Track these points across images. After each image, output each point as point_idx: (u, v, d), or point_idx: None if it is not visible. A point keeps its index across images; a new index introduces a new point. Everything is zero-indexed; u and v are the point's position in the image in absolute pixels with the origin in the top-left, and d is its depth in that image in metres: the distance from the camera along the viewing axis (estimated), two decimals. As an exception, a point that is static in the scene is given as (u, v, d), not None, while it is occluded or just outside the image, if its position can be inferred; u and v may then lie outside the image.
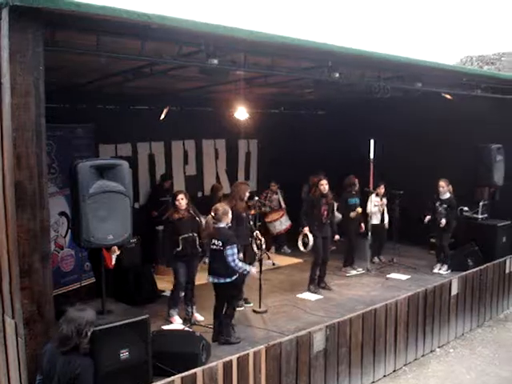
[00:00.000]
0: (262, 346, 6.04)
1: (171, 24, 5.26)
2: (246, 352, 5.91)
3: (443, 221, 10.48)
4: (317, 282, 9.71)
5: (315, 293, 9.47)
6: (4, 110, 4.73)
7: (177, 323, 7.93)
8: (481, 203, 11.19)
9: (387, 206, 11.46)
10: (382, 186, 11.32)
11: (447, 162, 11.23)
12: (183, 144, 12.54)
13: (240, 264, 7.15)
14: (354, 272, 10.87)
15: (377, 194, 11.33)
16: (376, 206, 11.28)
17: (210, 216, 7.38)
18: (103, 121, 9.80)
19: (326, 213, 9.64)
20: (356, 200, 10.90)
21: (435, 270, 10.78)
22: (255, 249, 8.71)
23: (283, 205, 12.72)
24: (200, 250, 8.09)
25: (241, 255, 7.81)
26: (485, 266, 9.70)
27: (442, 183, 10.54)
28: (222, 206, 7.44)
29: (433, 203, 10.69)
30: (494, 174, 10.85)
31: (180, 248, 7.92)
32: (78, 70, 7.46)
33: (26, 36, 4.55)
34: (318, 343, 6.62)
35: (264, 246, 8.80)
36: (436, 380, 7.61)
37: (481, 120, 10.84)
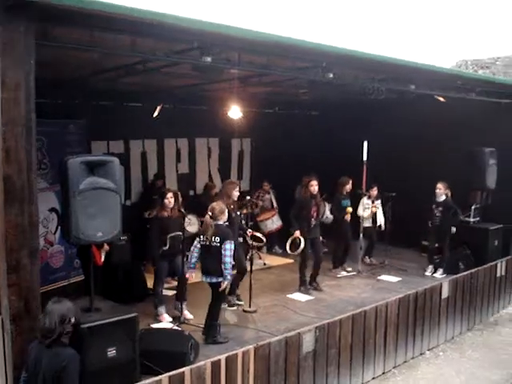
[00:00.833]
0: (250, 346, 6.01)
1: (164, 20, 5.22)
2: (234, 352, 5.88)
3: (453, 229, 10.48)
4: (309, 282, 9.68)
5: (306, 293, 9.44)
6: (-6, 103, 4.68)
7: (166, 321, 7.90)
8: (473, 207, 11.21)
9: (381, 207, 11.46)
10: (375, 188, 11.33)
11: (440, 165, 11.22)
12: (176, 142, 12.48)
13: (230, 265, 7.14)
14: (344, 273, 10.87)
15: (369, 197, 11.32)
16: (367, 208, 11.27)
17: (207, 216, 7.36)
18: (96, 117, 9.75)
19: (315, 214, 9.61)
20: (348, 202, 10.87)
21: (427, 273, 10.77)
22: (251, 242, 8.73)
23: (275, 204, 12.70)
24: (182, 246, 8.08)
25: None
26: (476, 269, 9.70)
27: (440, 185, 10.52)
28: (218, 205, 7.46)
29: (429, 205, 10.66)
30: (486, 178, 10.87)
31: (167, 247, 7.92)
32: (71, 65, 7.40)
33: (16, 29, 4.51)
34: (308, 344, 6.60)
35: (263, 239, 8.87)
36: (425, 382, 7.59)
37: (474, 124, 10.85)
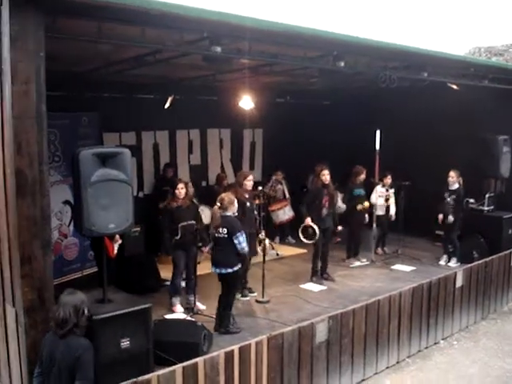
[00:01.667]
0: (264, 336, 6.02)
1: (174, 11, 5.21)
2: (247, 342, 5.89)
3: (450, 218, 10.42)
4: (320, 274, 9.67)
5: (318, 283, 9.43)
6: (5, 96, 4.71)
7: (179, 312, 7.93)
8: (487, 195, 11.11)
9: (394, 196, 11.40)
10: (389, 177, 11.25)
11: (454, 153, 11.13)
12: (188, 133, 12.49)
13: (245, 246, 7.20)
14: (358, 263, 10.82)
15: (383, 185, 11.25)
16: (381, 196, 11.21)
17: (215, 206, 7.37)
18: (108, 109, 9.78)
19: (327, 204, 9.56)
20: (361, 191, 10.82)
21: (441, 262, 10.70)
22: (259, 251, 8.70)
23: (287, 195, 12.67)
24: (199, 238, 8.08)
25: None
26: (490, 258, 9.65)
27: (452, 173, 10.44)
28: (227, 196, 7.45)
29: (442, 193, 10.59)
30: (500, 166, 10.78)
31: (179, 236, 7.93)
32: (82, 57, 7.42)
33: (26, 22, 4.52)
34: (321, 334, 6.60)
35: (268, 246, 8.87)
36: (439, 372, 7.58)
37: (488, 111, 10.76)
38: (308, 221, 9.35)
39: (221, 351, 5.59)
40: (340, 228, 10.12)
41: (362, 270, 10.42)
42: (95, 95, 9.95)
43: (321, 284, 9.42)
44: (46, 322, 4.85)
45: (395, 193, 11.39)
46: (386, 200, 11.26)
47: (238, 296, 8.29)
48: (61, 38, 5.28)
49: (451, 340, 8.68)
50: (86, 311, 4.53)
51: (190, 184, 8.51)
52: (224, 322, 7.28)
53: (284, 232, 12.65)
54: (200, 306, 8.03)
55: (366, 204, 10.73)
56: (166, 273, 9.33)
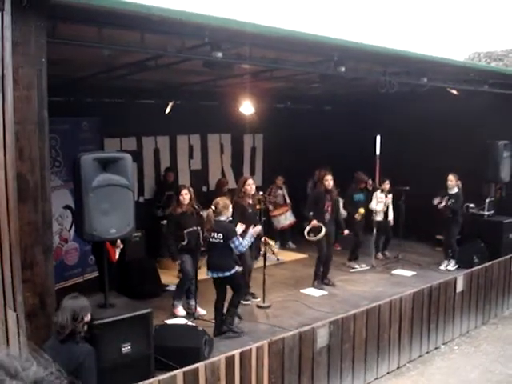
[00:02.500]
0: (264, 341, 6.01)
1: (174, 17, 5.23)
2: (248, 347, 5.89)
3: (435, 200, 10.40)
4: (321, 279, 9.66)
5: (319, 288, 9.43)
6: (6, 102, 4.72)
7: (180, 314, 7.93)
8: (487, 200, 11.13)
9: (393, 202, 11.41)
10: (388, 182, 11.28)
11: (454, 158, 11.15)
12: (188, 138, 12.51)
13: (245, 242, 7.21)
14: (358, 268, 10.83)
15: (382, 190, 11.28)
16: (380, 202, 11.23)
17: (210, 210, 7.39)
18: (109, 114, 9.80)
19: (329, 209, 9.56)
20: (360, 196, 10.84)
21: (442, 267, 10.70)
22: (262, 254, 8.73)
23: (288, 200, 12.68)
24: (202, 243, 8.10)
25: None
26: (491, 263, 9.65)
27: (451, 177, 10.46)
28: (222, 200, 7.47)
29: (441, 197, 10.60)
30: (501, 171, 10.80)
31: (185, 242, 7.94)
32: (83, 63, 7.44)
33: (28, 28, 4.54)
34: (322, 339, 6.59)
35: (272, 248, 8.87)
36: (440, 377, 7.56)
37: (488, 116, 10.79)
38: (314, 222, 9.35)
39: (221, 356, 5.59)
40: (347, 232, 10.10)
41: (363, 275, 10.43)
42: (96, 100, 9.98)
43: (322, 289, 9.43)
44: (47, 327, 4.86)
45: (396, 197, 11.41)
46: (386, 206, 11.29)
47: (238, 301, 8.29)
48: (62, 44, 5.30)
49: (452, 345, 8.67)
50: (85, 318, 4.52)
51: (191, 189, 8.51)
52: (228, 320, 7.28)
53: (284, 237, 12.66)
54: (201, 311, 8.04)
55: (361, 211, 10.74)
56: (166, 278, 9.35)
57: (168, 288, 9.11)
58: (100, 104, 10.05)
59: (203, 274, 8.26)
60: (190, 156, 12.60)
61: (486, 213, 11.09)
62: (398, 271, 10.60)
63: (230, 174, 13.30)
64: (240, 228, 7.43)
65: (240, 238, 7.17)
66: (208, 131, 12.73)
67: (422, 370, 7.80)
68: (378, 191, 11.30)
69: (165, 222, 9.64)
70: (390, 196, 11.39)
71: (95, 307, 5.42)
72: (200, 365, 5.37)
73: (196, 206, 8.24)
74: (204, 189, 12.72)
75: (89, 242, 7.48)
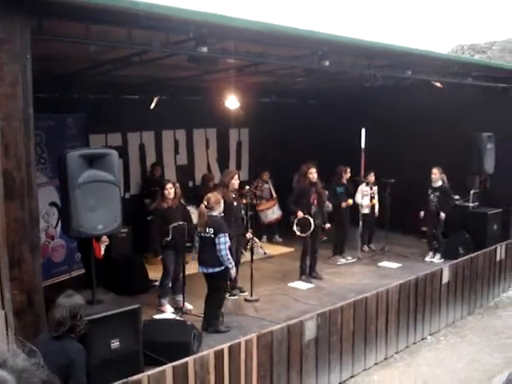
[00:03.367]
0: (253, 335, 6.04)
1: (160, 12, 5.22)
2: (237, 341, 5.92)
3: (442, 215, 10.51)
4: (308, 272, 9.70)
5: (307, 282, 9.47)
6: (-9, 99, 4.68)
7: (168, 312, 7.94)
8: (472, 191, 11.22)
9: (378, 194, 11.47)
10: (372, 174, 11.35)
11: (439, 150, 11.23)
12: (174, 134, 12.49)
13: (227, 256, 7.19)
14: (343, 260, 10.88)
15: (367, 184, 11.34)
16: (365, 195, 11.29)
17: (202, 205, 7.40)
18: (94, 111, 9.75)
19: (315, 202, 9.60)
20: (341, 189, 10.88)
21: (427, 259, 10.80)
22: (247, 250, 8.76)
23: (274, 194, 12.70)
24: (189, 238, 8.11)
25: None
26: (476, 254, 9.73)
27: (435, 170, 10.53)
28: (213, 195, 7.48)
29: (426, 191, 10.68)
30: (484, 162, 10.87)
31: (170, 237, 7.94)
32: (68, 58, 7.40)
33: (12, 24, 4.52)
34: (310, 332, 6.63)
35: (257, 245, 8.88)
36: (427, 368, 7.63)
37: (472, 109, 10.85)
38: (300, 214, 9.38)
39: (210, 350, 5.62)
40: (328, 225, 10.15)
41: (350, 268, 10.49)
42: (81, 96, 9.93)
43: (309, 282, 9.47)
44: (35, 325, 4.86)
45: (382, 190, 11.47)
46: (371, 198, 11.35)
47: (227, 295, 8.31)
48: (47, 40, 5.28)
49: (438, 335, 8.75)
50: (82, 315, 4.51)
51: (178, 185, 8.51)
52: (213, 321, 7.30)
53: (271, 231, 12.68)
54: (188, 305, 8.04)
55: (350, 201, 10.81)
56: (154, 273, 9.32)
57: (156, 283, 9.07)
58: (85, 100, 10.00)
59: (191, 268, 8.32)
60: (176, 151, 12.59)
61: (471, 204, 11.19)
62: (385, 263, 10.66)
63: (216, 168, 13.29)
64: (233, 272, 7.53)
65: (227, 237, 7.19)
66: (193, 126, 12.72)
67: (409, 360, 7.87)
68: (363, 184, 11.36)
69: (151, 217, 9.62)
70: (375, 188, 11.44)
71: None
72: (189, 359, 5.39)
73: (182, 201, 8.24)
74: (190, 184, 12.70)
75: (75, 238, 7.45)
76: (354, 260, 10.91)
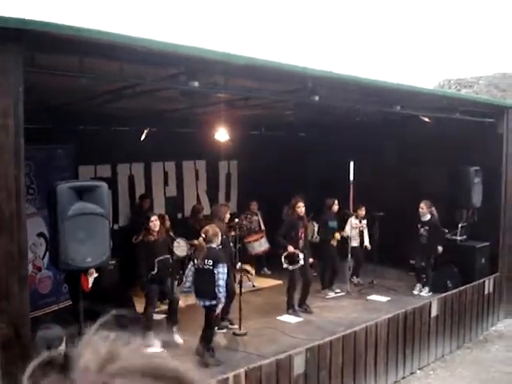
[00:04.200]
0: (241, 370, 6.00)
1: (151, 46, 5.28)
2: (225, 376, 5.87)
3: (439, 248, 10.55)
4: (298, 304, 9.64)
5: (295, 315, 9.41)
6: (-18, 131, 4.69)
7: (155, 347, 7.82)
8: (460, 225, 11.28)
9: (367, 227, 11.50)
10: (363, 208, 11.37)
11: (426, 183, 11.32)
12: (163, 165, 12.51)
13: (224, 288, 7.19)
14: (333, 294, 10.84)
15: (356, 217, 11.37)
16: (354, 228, 11.31)
17: (200, 238, 7.42)
18: (83, 142, 9.74)
19: (303, 236, 9.61)
20: (334, 223, 10.90)
21: (415, 292, 10.79)
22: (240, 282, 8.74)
23: (263, 226, 12.69)
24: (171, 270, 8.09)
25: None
26: (464, 287, 9.75)
27: (422, 205, 10.59)
28: (211, 228, 7.51)
29: (416, 226, 10.71)
30: (472, 196, 10.95)
31: (155, 271, 7.90)
32: (59, 90, 7.43)
33: (5, 58, 4.54)
34: (298, 366, 6.59)
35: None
36: (416, 402, 7.60)
37: (459, 143, 10.96)
38: (291, 248, 9.36)
39: (199, 385, 5.55)
40: (311, 260, 10.12)
41: (339, 301, 10.45)
42: (71, 128, 9.93)
43: (297, 316, 9.40)
44: (22, 358, 4.79)
45: (369, 223, 11.51)
46: (361, 232, 11.38)
47: (215, 329, 8.25)
48: (40, 73, 5.32)
49: (427, 370, 8.72)
50: (60, 348, 4.46)
51: (167, 217, 8.49)
52: (204, 355, 7.24)
53: (259, 263, 12.63)
54: (178, 339, 7.96)
55: (337, 236, 10.82)
56: (141, 306, 9.25)
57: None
58: (75, 131, 10.00)
59: (189, 300, 8.29)
60: (165, 183, 12.59)
61: (459, 238, 11.23)
62: (373, 297, 10.64)
63: (206, 200, 13.29)
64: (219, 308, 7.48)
65: (225, 268, 7.21)
66: (183, 158, 12.75)
67: (399, 395, 7.83)
68: (353, 217, 11.39)
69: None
70: (365, 222, 11.48)
71: (70, 338, 5.36)
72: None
73: (171, 234, 8.22)
74: (179, 215, 12.68)
75: (63, 270, 7.40)
76: (342, 293, 10.87)
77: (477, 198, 11.08)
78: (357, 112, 8.39)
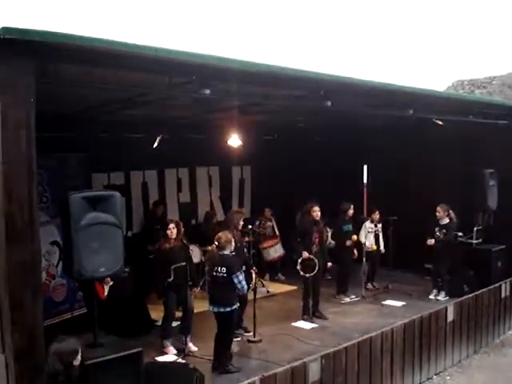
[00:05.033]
0: (256, 378, 5.96)
1: (162, 55, 5.28)
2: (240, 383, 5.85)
3: (430, 241, 10.44)
4: (311, 312, 9.60)
5: (310, 321, 9.35)
6: (-5, 142, 4.70)
7: (171, 354, 7.83)
8: (475, 228, 11.19)
9: (382, 231, 11.44)
10: (377, 212, 11.30)
11: (442, 187, 11.26)
12: (177, 172, 12.52)
13: (246, 286, 7.27)
14: (347, 299, 10.77)
15: (371, 221, 11.30)
16: (370, 232, 11.24)
17: (213, 245, 7.40)
18: (96, 149, 9.78)
19: (317, 241, 9.55)
20: (349, 227, 10.84)
21: (431, 296, 10.69)
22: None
23: (277, 232, 12.66)
24: (189, 279, 8.06)
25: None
26: (480, 291, 9.66)
27: (439, 209, 10.48)
28: (224, 235, 7.46)
29: (433, 228, 10.62)
30: (487, 199, 10.89)
31: (172, 278, 7.88)
32: (71, 99, 7.45)
33: (17, 69, 4.55)
34: (314, 373, 6.54)
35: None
36: (433, 409, 7.53)
37: (474, 145, 10.89)
38: (306, 254, 9.32)
39: (214, 394, 5.55)
40: (330, 264, 10.09)
41: (354, 307, 10.38)
42: (84, 135, 9.93)
43: (312, 322, 9.35)
44: (36, 369, 4.80)
45: (385, 227, 11.44)
46: (376, 236, 11.30)
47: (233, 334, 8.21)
48: (51, 83, 5.33)
49: (444, 375, 8.63)
50: (74, 361, 4.45)
51: (181, 224, 8.48)
52: (222, 360, 7.22)
53: (274, 269, 12.61)
54: (192, 347, 7.95)
55: (354, 237, 10.76)
56: (156, 313, 9.25)
57: (158, 324, 9.00)
58: (88, 139, 9.99)
59: (198, 307, 8.26)
60: (179, 189, 12.59)
61: (475, 241, 11.14)
62: (389, 302, 10.55)
63: (219, 206, 13.29)
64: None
65: (242, 275, 7.19)
66: (196, 164, 12.76)
67: (415, 402, 7.76)
68: (368, 221, 11.33)
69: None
70: (380, 226, 11.41)
71: (84, 347, 5.36)
72: (192, 404, 5.32)
73: (185, 241, 8.21)
74: (193, 222, 12.68)
75: (77, 280, 7.40)
76: (357, 298, 10.81)
77: (492, 201, 11.01)
78: (370, 117, 8.33)
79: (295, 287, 11.22)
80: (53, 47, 4.60)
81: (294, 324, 9.26)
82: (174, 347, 7.98)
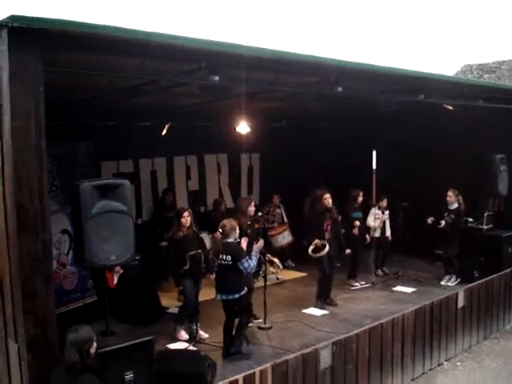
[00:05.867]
0: (267, 365, 5.99)
1: (171, 42, 5.24)
2: (252, 371, 5.88)
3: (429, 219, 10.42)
4: (323, 298, 9.58)
5: (321, 308, 9.34)
6: (4, 132, 4.71)
7: (183, 338, 7.84)
8: (485, 214, 11.13)
9: (391, 218, 11.38)
10: (385, 200, 11.24)
11: (452, 172, 11.18)
12: (185, 159, 12.52)
13: (253, 263, 7.14)
14: (358, 285, 10.75)
15: (379, 207, 11.25)
16: (377, 218, 11.18)
17: (217, 232, 7.37)
18: (105, 137, 9.76)
19: (328, 228, 9.49)
20: (358, 214, 10.78)
21: (442, 282, 10.61)
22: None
23: (285, 219, 12.64)
24: (204, 266, 8.05)
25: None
26: (491, 277, 9.64)
27: (450, 193, 10.41)
28: (228, 222, 7.41)
29: (441, 213, 10.56)
30: (498, 184, 10.83)
31: (188, 266, 7.86)
32: (79, 87, 7.43)
33: (25, 57, 4.54)
34: (325, 360, 6.57)
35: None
36: (444, 395, 7.54)
37: (484, 130, 10.79)
38: (317, 241, 9.27)
39: (225, 381, 5.57)
40: (348, 251, 10.03)
41: (364, 293, 10.35)
42: (92, 124, 9.93)
43: (323, 308, 9.32)
44: (48, 358, 4.82)
45: (394, 213, 11.37)
46: (383, 222, 11.26)
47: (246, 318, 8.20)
48: (59, 71, 5.31)
49: (455, 361, 8.65)
50: (91, 349, 4.47)
51: (191, 211, 8.46)
52: (235, 341, 7.22)
53: (283, 256, 12.59)
54: (203, 334, 7.96)
55: (357, 223, 10.67)
56: (166, 300, 9.29)
57: (168, 311, 9.03)
58: (96, 127, 9.99)
59: (203, 295, 8.25)
60: (188, 177, 12.60)
61: (485, 227, 11.09)
62: (399, 288, 10.51)
63: (228, 193, 13.30)
64: (244, 242, 7.40)
65: (249, 260, 7.12)
66: (205, 151, 12.75)
67: (426, 387, 7.77)
68: (375, 208, 11.28)
69: (164, 243, 9.55)
70: (387, 212, 11.36)
71: (97, 335, 5.38)
72: (204, 391, 5.34)
73: (195, 229, 8.20)
74: (202, 209, 12.67)
75: (88, 268, 7.43)
76: (367, 285, 10.78)
77: (503, 186, 10.95)
78: (381, 103, 8.26)
79: (305, 274, 11.22)
80: (62, 35, 4.56)
81: (305, 311, 9.23)
82: (187, 333, 7.99)
